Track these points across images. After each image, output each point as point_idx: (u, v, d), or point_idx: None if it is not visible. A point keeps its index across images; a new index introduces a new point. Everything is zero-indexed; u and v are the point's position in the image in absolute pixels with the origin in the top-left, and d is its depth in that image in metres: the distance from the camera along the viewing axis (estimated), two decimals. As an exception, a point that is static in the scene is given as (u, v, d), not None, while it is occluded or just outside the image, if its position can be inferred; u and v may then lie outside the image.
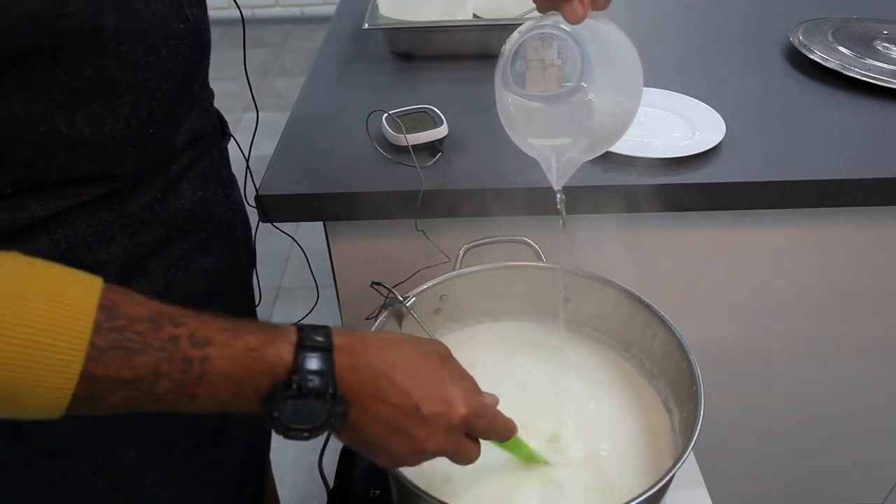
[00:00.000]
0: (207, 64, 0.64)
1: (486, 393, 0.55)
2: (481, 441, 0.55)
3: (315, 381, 0.45)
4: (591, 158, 0.66)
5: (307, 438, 0.47)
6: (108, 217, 0.55)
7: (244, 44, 0.77)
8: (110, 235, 0.55)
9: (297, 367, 0.45)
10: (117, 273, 0.56)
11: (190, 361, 0.43)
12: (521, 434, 0.59)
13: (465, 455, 0.53)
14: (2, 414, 0.40)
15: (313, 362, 0.45)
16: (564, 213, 0.67)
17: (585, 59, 0.60)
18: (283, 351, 0.45)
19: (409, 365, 0.50)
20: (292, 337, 0.46)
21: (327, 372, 0.46)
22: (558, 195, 0.66)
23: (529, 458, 0.63)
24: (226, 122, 0.73)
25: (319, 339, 0.46)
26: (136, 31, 0.49)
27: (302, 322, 0.48)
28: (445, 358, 0.54)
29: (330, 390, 0.45)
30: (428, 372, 0.51)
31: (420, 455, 0.51)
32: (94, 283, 0.42)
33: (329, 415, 0.46)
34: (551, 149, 0.65)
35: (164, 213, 0.59)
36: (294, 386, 0.44)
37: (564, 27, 0.57)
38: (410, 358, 0.50)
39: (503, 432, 0.56)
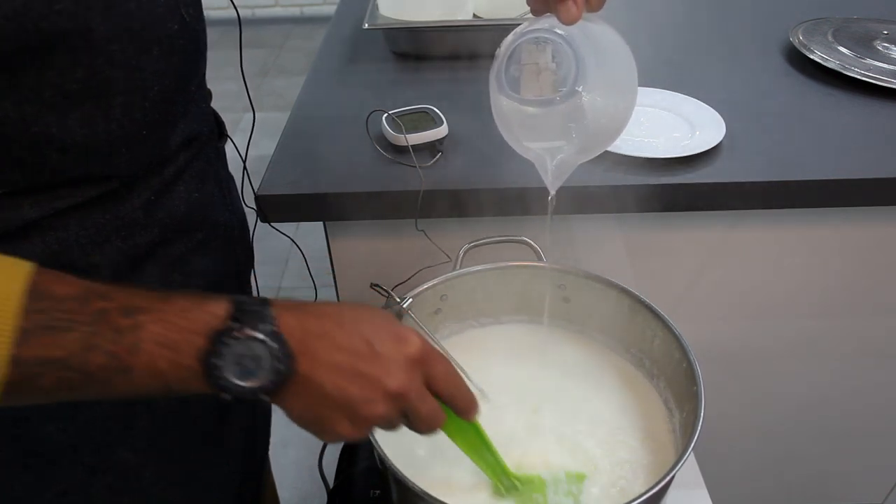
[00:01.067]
0: (204, 64, 0.64)
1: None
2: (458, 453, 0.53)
3: (254, 322, 0.43)
4: (586, 160, 0.66)
5: (256, 396, 0.44)
6: (102, 219, 0.55)
7: (240, 44, 0.77)
8: (104, 237, 0.55)
9: (234, 316, 0.43)
10: (111, 275, 0.56)
11: (120, 331, 0.42)
12: (519, 434, 0.59)
13: (427, 407, 0.50)
14: None
15: (251, 309, 0.44)
16: (551, 214, 0.67)
17: (580, 63, 0.60)
18: (218, 308, 0.44)
19: (354, 312, 0.48)
20: (225, 298, 0.45)
21: (266, 315, 0.44)
22: (551, 197, 0.66)
23: (499, 473, 0.60)
24: (223, 123, 0.73)
25: (256, 300, 0.45)
26: (127, 31, 0.49)
27: None
28: (390, 314, 0.52)
29: (271, 329, 0.44)
30: (375, 316, 0.49)
31: (381, 398, 0.47)
32: (21, 267, 0.41)
33: (276, 358, 0.44)
34: (547, 151, 0.65)
35: (158, 214, 0.59)
36: (233, 331, 0.43)
37: (559, 30, 0.57)
38: (354, 308, 0.49)
39: (463, 391, 0.52)
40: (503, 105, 0.62)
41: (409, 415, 0.49)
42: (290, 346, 0.44)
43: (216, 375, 0.43)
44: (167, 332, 0.42)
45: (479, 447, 0.58)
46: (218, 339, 0.43)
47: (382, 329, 0.48)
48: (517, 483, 0.61)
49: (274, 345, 0.44)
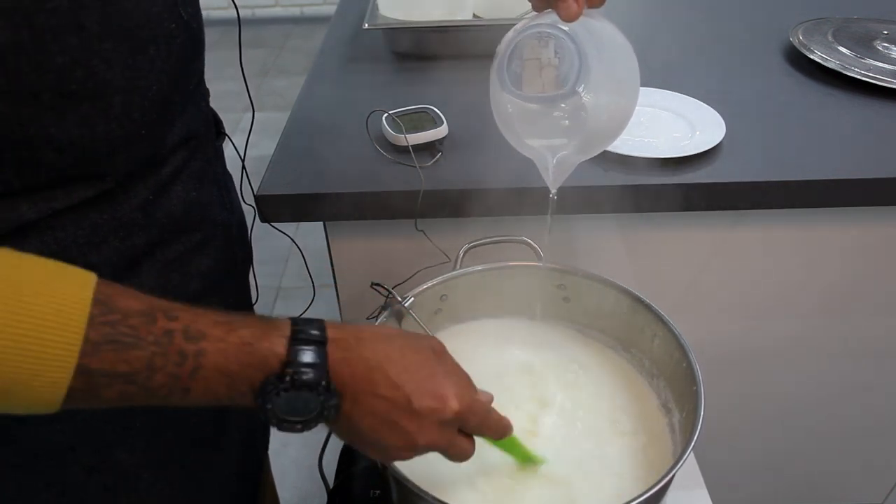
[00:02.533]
0: (202, 64, 0.63)
1: (481, 391, 0.55)
2: (478, 440, 0.55)
3: (309, 374, 0.45)
4: (587, 159, 0.66)
5: (301, 431, 0.47)
6: (99, 219, 0.54)
7: (240, 43, 0.77)
8: (101, 237, 0.55)
9: (290, 360, 0.45)
10: (109, 275, 0.56)
11: (185, 355, 0.43)
12: (520, 434, 0.59)
13: (457, 451, 0.53)
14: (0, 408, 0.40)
15: (307, 355, 0.45)
16: (551, 213, 0.67)
17: (583, 58, 0.60)
18: (277, 344, 0.45)
19: (403, 359, 0.50)
20: (286, 330, 0.46)
21: (321, 365, 0.46)
22: (552, 195, 0.66)
23: (526, 459, 0.63)
24: (220, 122, 0.73)
25: (313, 332, 0.47)
26: (123, 30, 0.49)
27: (298, 317, 0.49)
28: (440, 353, 0.54)
29: (323, 383, 0.46)
30: (421, 366, 0.51)
31: (411, 449, 0.51)
32: (88, 277, 0.42)
33: (322, 407, 0.46)
34: (548, 149, 0.65)
35: (156, 214, 0.59)
36: (287, 379, 0.45)
37: (561, 26, 0.57)
38: (404, 351, 0.51)
39: (497, 430, 0.56)
40: (504, 102, 0.62)
41: (440, 452, 0.53)
42: (339, 395, 0.47)
43: (266, 409, 0.45)
44: (228, 363, 0.44)
45: (507, 444, 0.61)
46: (272, 385, 0.45)
47: (425, 384, 0.50)
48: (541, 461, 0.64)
49: (322, 397, 0.46)
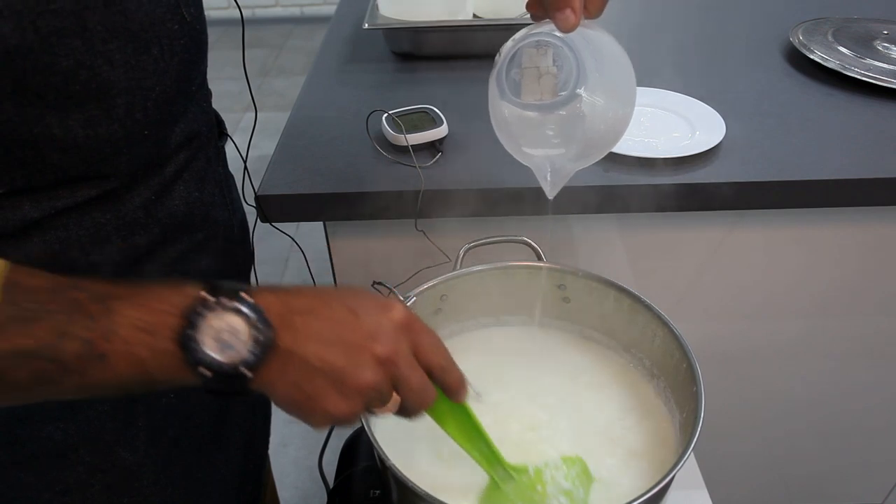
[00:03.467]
0: (205, 64, 0.64)
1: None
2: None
3: (231, 295, 0.42)
4: (585, 166, 0.66)
5: (241, 381, 0.42)
6: (102, 218, 0.55)
7: (243, 43, 0.77)
8: (104, 237, 0.55)
9: (209, 289, 0.43)
10: (111, 274, 0.56)
11: (94, 317, 0.41)
12: (520, 434, 0.59)
13: (416, 378, 0.47)
14: None
15: (227, 284, 0.43)
16: (551, 217, 0.67)
17: (581, 66, 0.60)
18: (192, 288, 0.43)
19: (338, 289, 0.48)
20: (203, 280, 0.44)
21: (242, 289, 0.43)
22: (549, 201, 0.66)
23: (491, 462, 0.59)
24: (223, 122, 0.73)
25: (231, 282, 0.44)
26: (124, 31, 0.49)
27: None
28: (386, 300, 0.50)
29: (249, 300, 0.42)
30: (359, 290, 0.48)
31: (369, 363, 0.45)
32: None
33: (252, 328, 0.42)
34: (545, 157, 0.65)
35: (158, 213, 0.59)
36: (209, 303, 0.42)
37: (559, 34, 0.57)
38: (339, 287, 0.50)
39: (451, 366, 0.50)
40: (502, 110, 0.62)
41: (399, 385, 0.47)
42: (270, 318, 0.43)
43: (193, 350, 0.41)
44: (142, 314, 0.41)
45: (471, 434, 0.57)
46: (193, 314, 0.42)
47: (366, 299, 0.47)
48: (512, 473, 0.60)
49: (252, 315, 0.42)
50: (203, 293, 0.43)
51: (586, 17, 0.56)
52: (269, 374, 0.43)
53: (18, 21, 0.43)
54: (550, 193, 0.66)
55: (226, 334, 0.42)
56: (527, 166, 0.67)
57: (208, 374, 0.42)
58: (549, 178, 0.65)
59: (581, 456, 0.65)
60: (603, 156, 0.66)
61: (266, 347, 0.43)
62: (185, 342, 0.41)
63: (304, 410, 0.45)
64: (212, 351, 0.42)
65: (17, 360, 0.40)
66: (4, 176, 0.49)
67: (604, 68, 0.61)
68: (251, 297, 0.43)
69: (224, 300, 0.42)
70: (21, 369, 0.40)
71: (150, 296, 0.42)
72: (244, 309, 0.42)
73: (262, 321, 0.43)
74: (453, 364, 0.51)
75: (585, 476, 0.64)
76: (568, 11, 0.53)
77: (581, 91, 0.62)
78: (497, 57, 0.59)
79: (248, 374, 0.43)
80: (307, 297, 0.46)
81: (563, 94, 0.60)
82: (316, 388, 0.44)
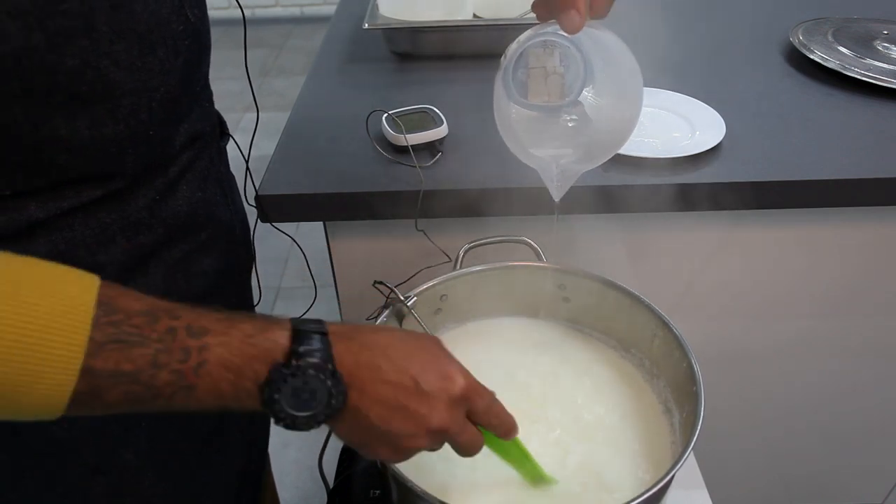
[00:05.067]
0: (208, 64, 0.64)
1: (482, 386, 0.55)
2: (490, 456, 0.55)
3: (314, 359, 0.45)
4: (591, 168, 0.66)
5: (309, 427, 0.46)
6: (107, 218, 0.55)
7: (245, 43, 0.77)
8: (109, 237, 0.55)
9: (294, 349, 0.45)
10: (116, 275, 0.56)
11: (188, 351, 0.43)
12: (522, 436, 0.59)
13: (467, 437, 0.52)
14: (4, 413, 0.40)
15: (310, 342, 0.45)
16: (557, 219, 0.67)
17: (588, 67, 0.60)
18: (280, 336, 0.45)
19: (404, 345, 0.50)
20: (287, 324, 0.46)
21: (324, 350, 0.46)
22: (555, 203, 0.66)
23: (535, 476, 0.62)
24: (224, 122, 0.73)
25: (313, 324, 0.47)
26: (131, 32, 0.49)
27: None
28: (437, 342, 0.54)
29: (329, 367, 0.45)
30: (422, 350, 0.51)
31: (424, 435, 0.49)
32: (92, 279, 0.42)
33: (329, 395, 0.45)
34: (552, 159, 0.65)
35: (162, 214, 0.59)
36: (293, 363, 0.44)
37: (566, 34, 0.57)
38: (404, 339, 0.51)
39: (504, 419, 0.55)
40: (508, 112, 0.62)
41: (449, 442, 0.52)
42: (344, 382, 0.46)
43: (273, 403, 0.45)
44: (231, 356, 0.44)
45: (517, 457, 0.60)
46: (278, 373, 0.44)
47: (429, 366, 0.50)
48: (553, 482, 0.63)
49: (330, 382, 0.45)
50: (289, 346, 0.45)
51: (592, 18, 0.55)
52: (335, 423, 0.48)
53: (26, 21, 0.43)
54: (557, 195, 0.66)
55: (304, 394, 0.45)
56: (528, 166, 0.67)
57: (280, 423, 0.46)
58: (555, 180, 0.65)
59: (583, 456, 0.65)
60: (609, 157, 0.66)
61: (338, 407, 0.46)
62: (268, 397, 0.45)
63: (360, 450, 0.51)
64: (289, 407, 0.45)
65: (114, 380, 0.41)
66: (10, 177, 0.49)
67: (610, 69, 0.61)
68: (332, 357, 0.46)
69: (306, 363, 0.45)
70: (116, 389, 0.42)
71: (242, 337, 0.44)
72: (324, 376, 0.45)
73: (337, 388, 0.46)
74: (504, 418, 0.55)
75: None
76: (573, 12, 0.53)
77: (588, 92, 0.62)
78: (503, 58, 0.59)
79: (317, 425, 0.47)
80: (377, 352, 0.48)
81: (570, 94, 0.60)
82: (372, 443, 0.50)
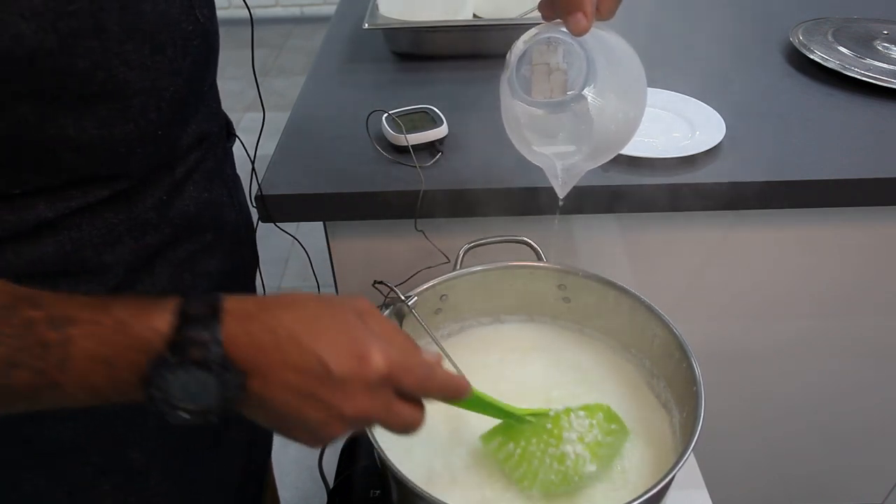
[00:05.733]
0: (216, 65, 0.64)
1: (427, 351, 0.50)
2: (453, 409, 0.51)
3: (199, 348, 0.40)
4: (595, 166, 0.66)
5: (206, 422, 0.42)
6: (115, 219, 0.55)
7: (252, 43, 0.77)
8: (116, 237, 0.55)
9: (175, 337, 0.40)
10: (123, 275, 0.56)
11: (47, 346, 0.39)
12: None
13: (399, 419, 0.47)
14: None
15: (195, 329, 0.41)
16: (559, 218, 0.67)
17: (591, 64, 0.60)
18: (159, 321, 0.41)
19: (316, 323, 0.44)
20: (171, 306, 0.42)
21: (212, 339, 0.41)
22: (560, 202, 0.66)
23: (507, 416, 0.60)
24: (231, 123, 0.73)
25: (200, 304, 0.42)
26: (142, 32, 0.49)
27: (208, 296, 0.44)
28: (365, 313, 0.47)
29: (217, 359, 0.41)
30: (338, 329, 0.45)
31: (340, 422, 0.45)
32: None
33: (223, 387, 0.41)
34: (556, 156, 0.65)
35: (169, 214, 0.59)
36: (173, 356, 0.40)
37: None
38: (318, 315, 0.45)
39: (446, 389, 0.50)
40: (514, 110, 0.62)
41: (379, 425, 0.47)
42: (240, 369, 0.42)
43: (156, 401, 0.41)
44: (100, 347, 0.40)
45: (482, 407, 0.57)
46: (156, 368, 0.40)
47: (342, 346, 0.44)
48: (530, 419, 0.61)
49: (221, 375, 0.41)
50: (171, 336, 0.40)
51: (598, 19, 0.56)
52: (242, 410, 0.44)
53: (39, 23, 0.43)
54: (561, 193, 0.67)
55: (193, 388, 0.41)
56: (528, 167, 0.67)
57: (169, 417, 0.42)
58: (559, 178, 0.65)
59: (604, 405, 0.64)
60: (613, 156, 0.66)
61: (235, 398, 0.42)
62: (148, 394, 0.40)
63: (285, 437, 0.46)
64: (178, 401, 0.41)
65: None
66: (19, 176, 0.49)
67: (614, 68, 0.61)
68: (222, 342, 0.41)
69: (192, 353, 0.40)
70: None
71: (114, 325, 0.40)
72: (213, 368, 0.40)
73: (229, 376, 0.41)
74: (446, 385, 0.50)
75: (610, 423, 0.64)
76: (580, 15, 0.54)
77: (591, 89, 0.62)
78: (508, 56, 0.59)
79: (216, 418, 0.42)
80: (280, 331, 0.43)
81: (572, 91, 0.60)
82: (285, 429, 0.46)
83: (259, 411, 0.44)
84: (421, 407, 0.49)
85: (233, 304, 0.43)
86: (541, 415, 0.62)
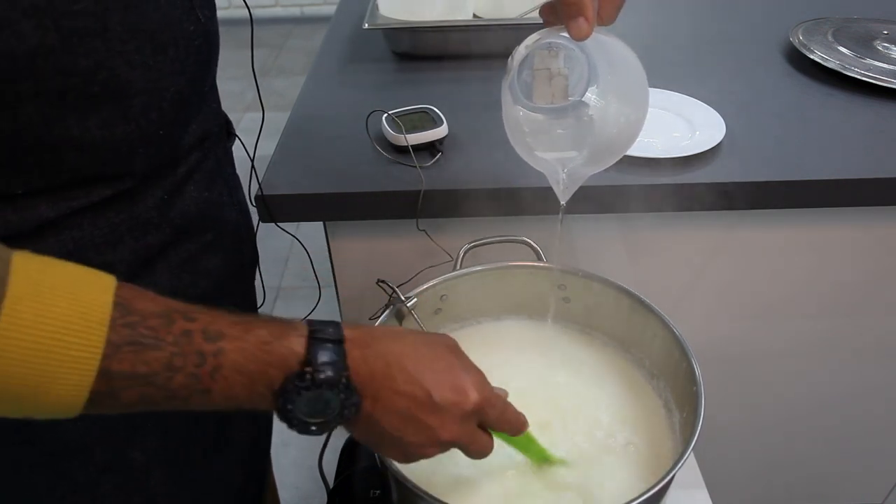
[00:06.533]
0: (216, 65, 0.64)
1: (496, 387, 0.56)
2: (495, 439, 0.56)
3: (328, 372, 0.45)
4: (598, 171, 0.66)
5: (321, 433, 0.47)
6: (116, 218, 0.55)
7: (252, 44, 0.77)
8: (117, 237, 0.55)
9: (309, 359, 0.45)
10: (124, 274, 0.56)
11: (203, 355, 0.43)
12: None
13: (478, 446, 0.53)
14: (21, 412, 0.40)
15: (325, 353, 0.45)
16: (562, 221, 0.67)
17: (592, 69, 0.60)
18: (296, 343, 0.45)
19: (419, 354, 0.50)
20: (303, 330, 0.46)
21: (340, 362, 0.46)
22: (562, 206, 0.66)
23: (542, 459, 0.63)
24: (231, 123, 0.73)
25: (330, 331, 0.47)
26: (144, 32, 0.49)
27: (312, 319, 0.49)
28: (453, 348, 0.54)
29: (343, 381, 0.46)
30: (438, 360, 0.51)
31: (435, 445, 0.51)
32: (109, 280, 0.42)
33: (343, 406, 0.46)
34: (558, 161, 0.65)
35: (170, 214, 0.59)
36: (307, 377, 0.44)
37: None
38: (419, 347, 0.51)
39: (514, 424, 0.56)
40: (516, 116, 0.62)
41: (460, 449, 0.53)
42: (359, 393, 0.47)
43: (287, 412, 0.45)
44: (247, 362, 0.44)
45: (524, 444, 0.61)
46: (292, 384, 0.45)
47: (444, 378, 0.50)
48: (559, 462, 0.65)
49: (343, 395, 0.46)
50: (305, 355, 0.45)
51: (599, 24, 0.56)
52: (351, 427, 0.50)
53: (41, 21, 0.43)
54: (563, 197, 0.67)
55: (318, 404, 0.45)
56: (528, 167, 0.67)
57: (295, 425, 0.46)
58: (561, 183, 0.65)
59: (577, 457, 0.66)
60: (616, 160, 0.66)
61: (351, 415, 0.47)
62: (281, 405, 0.45)
63: (380, 453, 0.54)
64: (303, 415, 0.46)
65: (130, 382, 0.41)
66: (22, 176, 0.49)
67: (616, 72, 0.61)
68: (347, 368, 0.46)
69: (322, 375, 0.45)
70: (132, 391, 0.42)
71: (258, 344, 0.44)
72: (339, 389, 0.45)
73: (352, 400, 0.46)
74: (514, 422, 0.56)
75: None
76: (581, 20, 0.54)
77: (592, 94, 0.62)
78: (509, 61, 0.59)
79: (330, 430, 0.48)
80: (392, 361, 0.48)
81: (573, 97, 0.60)
82: (384, 446, 0.52)
83: (366, 428, 0.49)
84: (491, 437, 0.55)
85: (350, 331, 0.48)
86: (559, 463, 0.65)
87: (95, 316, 0.40)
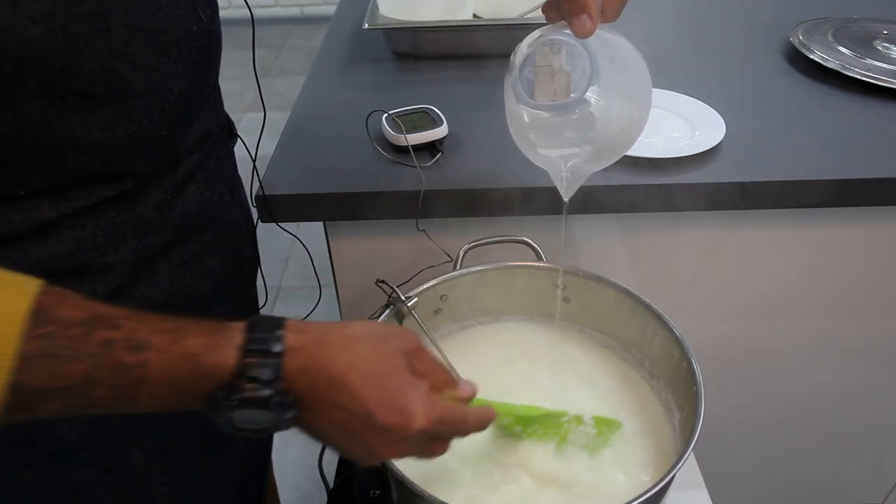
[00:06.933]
0: (218, 66, 0.64)
1: (465, 382, 0.54)
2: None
3: (260, 391, 0.43)
4: (601, 168, 0.66)
5: (261, 437, 0.47)
6: (118, 219, 0.55)
7: (253, 44, 0.77)
8: (119, 237, 0.55)
9: (240, 374, 0.43)
10: (126, 274, 0.56)
11: (126, 367, 0.42)
12: (518, 434, 0.59)
13: (426, 455, 0.52)
14: None
15: (259, 369, 0.44)
16: (566, 219, 0.67)
17: (594, 65, 0.60)
18: (227, 356, 0.44)
19: (367, 367, 0.47)
20: (239, 338, 0.44)
21: (274, 380, 0.44)
22: (565, 203, 0.66)
23: (526, 418, 0.63)
24: (233, 123, 0.73)
25: (269, 342, 0.45)
26: (146, 33, 0.49)
27: (257, 316, 0.47)
28: (412, 353, 0.51)
29: (275, 399, 0.44)
30: (388, 376, 0.48)
31: (377, 459, 0.50)
32: (28, 286, 0.41)
33: (277, 421, 0.45)
34: (561, 159, 0.65)
35: (172, 214, 0.59)
36: (236, 396, 0.43)
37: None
38: (370, 360, 0.48)
39: (475, 428, 0.53)
40: (519, 113, 0.62)
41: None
42: (296, 406, 0.46)
43: (220, 422, 0.45)
44: (173, 374, 0.43)
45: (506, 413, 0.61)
46: (223, 398, 0.44)
47: (389, 399, 0.47)
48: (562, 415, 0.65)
49: (276, 412, 0.45)
50: (236, 369, 0.43)
51: (602, 21, 0.56)
52: (294, 430, 0.48)
53: (49, 26, 0.43)
54: (566, 195, 0.67)
55: (250, 419, 0.44)
56: (527, 163, 0.67)
57: (229, 433, 0.46)
58: (564, 180, 0.65)
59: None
60: (619, 157, 0.66)
61: (288, 426, 0.47)
62: (213, 415, 0.44)
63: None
64: (237, 424, 0.45)
65: (47, 395, 0.40)
66: (25, 177, 0.49)
67: (619, 69, 0.61)
68: (282, 382, 0.44)
69: (254, 392, 0.43)
70: (51, 403, 0.41)
71: (185, 356, 0.43)
72: (272, 407, 0.44)
73: (286, 412, 0.45)
74: (478, 426, 0.53)
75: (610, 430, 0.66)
76: (584, 17, 0.54)
77: (594, 91, 0.62)
78: (511, 58, 0.59)
79: (269, 435, 0.48)
80: (334, 375, 0.46)
81: (575, 94, 0.60)
82: (335, 447, 0.51)
83: (310, 435, 0.49)
84: (447, 443, 0.53)
85: (296, 338, 0.46)
86: (555, 415, 0.64)
87: (7, 326, 0.38)
